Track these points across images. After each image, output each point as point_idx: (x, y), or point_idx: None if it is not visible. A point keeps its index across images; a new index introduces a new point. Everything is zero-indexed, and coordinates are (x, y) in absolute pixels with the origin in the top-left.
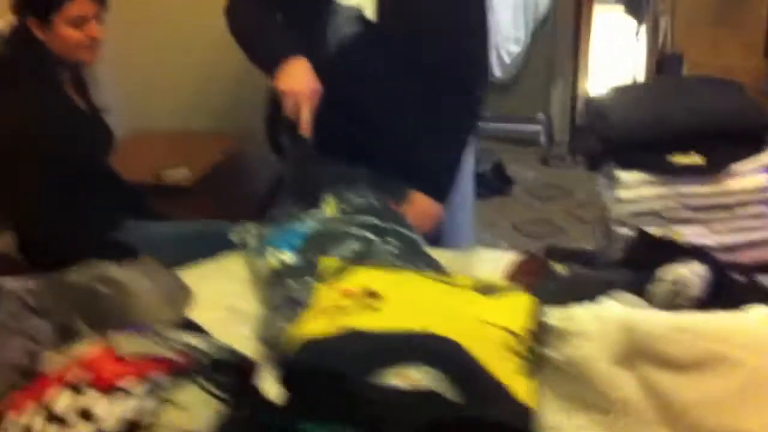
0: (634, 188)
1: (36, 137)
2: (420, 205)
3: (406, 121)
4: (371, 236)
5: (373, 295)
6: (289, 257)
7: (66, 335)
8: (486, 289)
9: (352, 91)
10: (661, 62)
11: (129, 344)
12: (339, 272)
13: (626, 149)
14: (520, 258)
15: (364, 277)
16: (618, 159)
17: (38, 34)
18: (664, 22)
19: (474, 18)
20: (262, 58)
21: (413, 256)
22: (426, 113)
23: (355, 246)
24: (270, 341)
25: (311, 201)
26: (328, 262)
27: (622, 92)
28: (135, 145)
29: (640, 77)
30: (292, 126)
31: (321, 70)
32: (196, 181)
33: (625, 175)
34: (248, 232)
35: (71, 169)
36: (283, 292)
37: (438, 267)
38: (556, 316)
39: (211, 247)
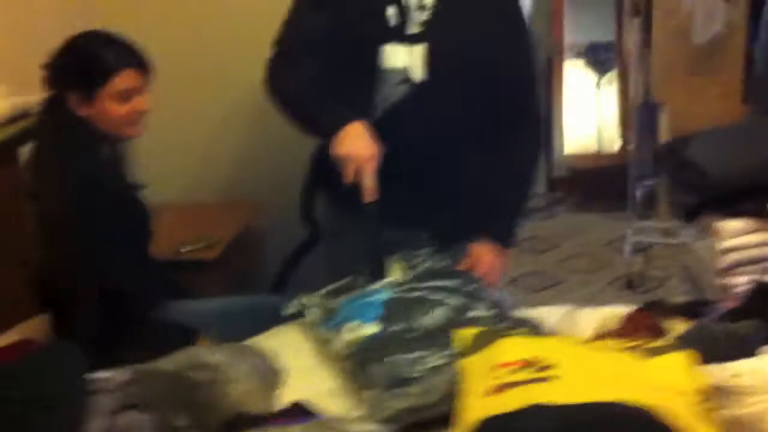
0: (737, 237)
1: (89, 222)
2: (488, 259)
3: (468, 173)
4: (454, 301)
5: (540, 366)
6: (369, 330)
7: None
8: (638, 350)
9: (405, 155)
10: (640, 113)
11: None
12: (479, 344)
13: (725, 199)
14: (626, 313)
15: (517, 348)
16: (717, 209)
17: (79, 110)
18: (637, 73)
19: (527, 66)
20: (319, 123)
21: (506, 319)
22: (487, 163)
23: (442, 312)
24: (389, 421)
25: (378, 270)
26: (461, 335)
27: (708, 140)
28: None
29: (611, 130)
30: (353, 193)
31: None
32: (217, 255)
33: (728, 225)
34: (308, 304)
35: (124, 250)
36: (385, 369)
37: (537, 328)
38: (717, 373)
39: (261, 322)
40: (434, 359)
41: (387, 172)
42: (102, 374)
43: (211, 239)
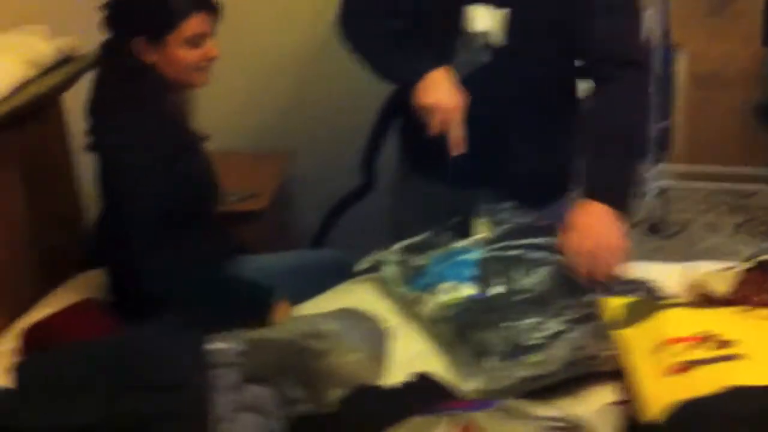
0: None
1: (156, 175)
2: (598, 225)
3: (557, 135)
4: (556, 258)
5: (718, 341)
6: (466, 291)
7: (286, 403)
8: None
9: (484, 120)
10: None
11: (495, 425)
12: (635, 316)
13: None
14: (737, 274)
15: (687, 321)
16: None
17: (146, 56)
18: (654, 15)
19: (624, 19)
20: (400, 70)
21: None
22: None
23: (546, 273)
24: (509, 390)
25: (464, 225)
26: (612, 305)
27: None
28: None
29: None
30: (438, 145)
31: None
32: (264, 205)
33: None
34: (384, 260)
35: (190, 207)
36: (501, 336)
37: (652, 290)
38: None
39: (326, 278)
40: (553, 325)
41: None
42: (217, 345)
43: (255, 189)
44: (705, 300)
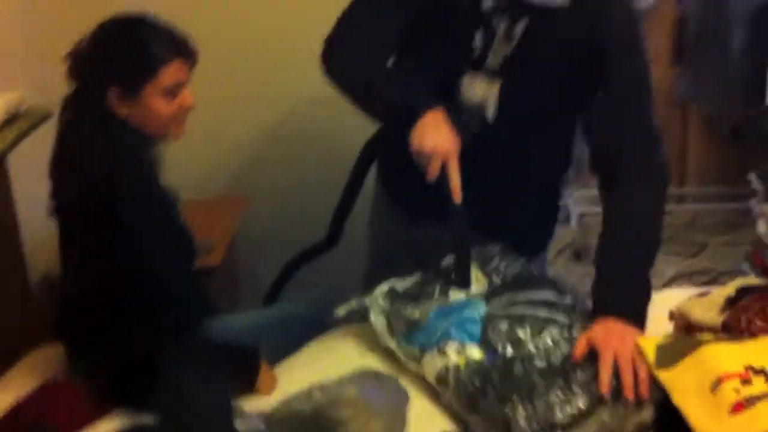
0: None
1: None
2: (617, 341)
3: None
4: (561, 318)
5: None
6: (475, 353)
7: None
8: None
9: (471, 190)
10: None
11: None
12: (672, 355)
13: None
14: (737, 301)
15: (730, 355)
16: None
17: (119, 108)
18: None
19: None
20: (393, 109)
21: None
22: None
23: (556, 334)
24: None
25: (465, 276)
26: (648, 344)
27: None
28: None
29: None
30: (437, 190)
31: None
32: (219, 260)
33: None
34: (372, 307)
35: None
36: (531, 412)
37: None
38: None
39: (304, 332)
40: (581, 401)
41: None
42: (242, 426)
43: (210, 242)
44: (691, 328)
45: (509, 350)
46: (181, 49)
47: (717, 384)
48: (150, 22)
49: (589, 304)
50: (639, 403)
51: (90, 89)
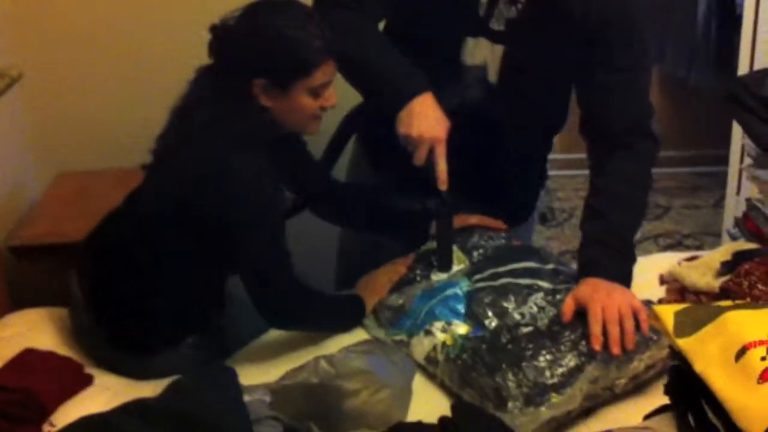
0: None
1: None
2: (607, 299)
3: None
4: (544, 284)
5: None
6: (461, 329)
7: None
8: None
9: (468, 155)
10: None
11: None
12: (692, 322)
13: None
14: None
15: (755, 321)
16: None
17: (264, 99)
18: None
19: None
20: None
21: None
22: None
23: (540, 299)
24: None
25: (448, 259)
26: (665, 312)
27: None
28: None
29: None
30: (424, 176)
31: None
32: None
33: None
34: None
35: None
36: (521, 378)
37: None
38: None
39: None
40: (568, 359)
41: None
42: (247, 398)
43: None
44: (686, 293)
45: (495, 321)
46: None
47: (742, 352)
48: (305, 13)
49: (569, 267)
50: (629, 356)
51: (235, 75)
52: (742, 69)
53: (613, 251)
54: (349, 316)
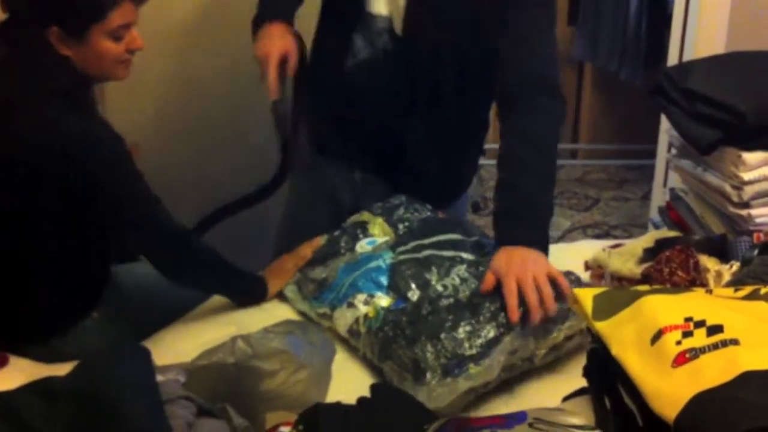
0: (757, 169)
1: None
2: (524, 263)
3: (452, 138)
4: (467, 256)
5: (709, 326)
6: (384, 301)
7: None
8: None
9: (376, 105)
10: None
11: None
12: (610, 306)
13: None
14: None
15: (670, 307)
16: (740, 143)
17: (62, 47)
18: None
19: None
20: (252, 22)
21: None
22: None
23: (463, 271)
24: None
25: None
26: (584, 295)
27: (714, 71)
28: None
29: None
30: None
31: (346, 82)
32: None
33: (750, 157)
34: None
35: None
36: (440, 348)
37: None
38: None
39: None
40: (489, 330)
41: (359, 117)
42: (161, 378)
43: None
44: (613, 279)
45: (417, 293)
46: None
47: (657, 336)
48: None
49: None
50: (547, 327)
51: (27, 26)
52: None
53: (525, 220)
54: (244, 289)
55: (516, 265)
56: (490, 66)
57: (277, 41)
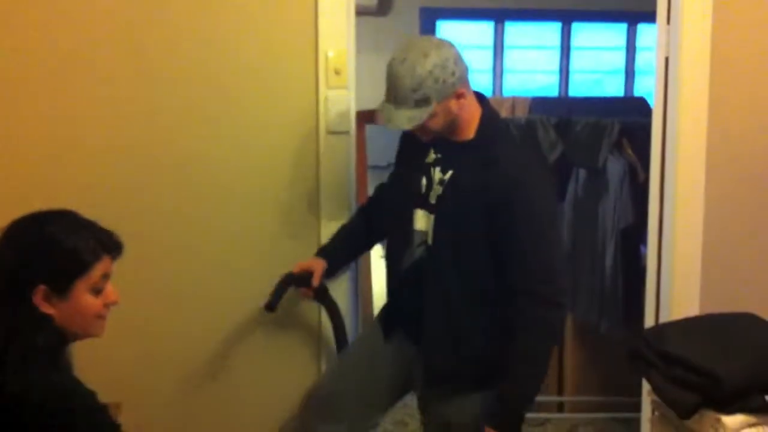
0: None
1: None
2: None
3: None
4: None
5: None
6: None
7: None
8: None
9: (419, 303)
10: None
11: None
12: None
13: (726, 396)
14: None
15: None
16: (719, 406)
17: (45, 306)
18: None
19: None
20: None
21: None
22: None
23: None
24: None
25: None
26: None
27: (688, 334)
28: None
29: None
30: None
31: (400, 284)
32: None
33: (730, 420)
34: None
35: None
36: None
37: None
38: None
39: None
40: None
41: (410, 311)
42: None
43: None
44: None
45: None
46: (112, 245)
47: None
48: (70, 217)
49: None
50: None
51: (14, 285)
52: (649, 320)
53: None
54: None
55: None
56: (493, 273)
57: (304, 262)
